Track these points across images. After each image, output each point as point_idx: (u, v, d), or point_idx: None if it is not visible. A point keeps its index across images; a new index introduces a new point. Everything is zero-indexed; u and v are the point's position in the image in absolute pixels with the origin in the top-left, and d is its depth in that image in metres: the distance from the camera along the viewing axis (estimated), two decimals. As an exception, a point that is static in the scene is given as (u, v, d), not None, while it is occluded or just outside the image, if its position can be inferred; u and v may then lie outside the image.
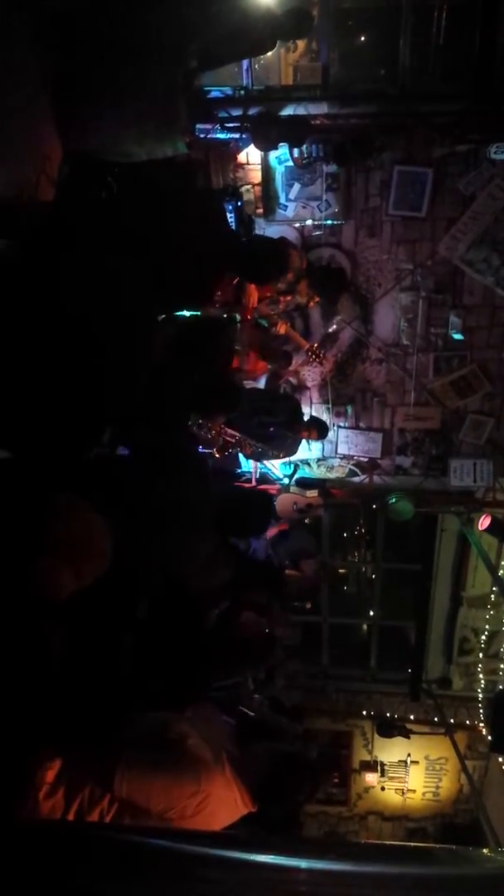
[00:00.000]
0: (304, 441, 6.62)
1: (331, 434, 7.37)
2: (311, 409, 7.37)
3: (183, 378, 2.88)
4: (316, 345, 6.74)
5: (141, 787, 2.12)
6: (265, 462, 7.15)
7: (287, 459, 7.07)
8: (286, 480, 7.45)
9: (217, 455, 5.41)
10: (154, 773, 2.17)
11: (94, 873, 1.12)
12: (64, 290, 1.93)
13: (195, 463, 2.75)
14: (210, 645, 2.01)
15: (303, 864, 1.23)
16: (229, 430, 5.27)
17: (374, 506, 7.72)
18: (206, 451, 5.29)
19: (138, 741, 2.19)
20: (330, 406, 7.31)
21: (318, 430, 6.47)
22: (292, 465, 7.48)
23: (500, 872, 1.25)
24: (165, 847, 1.29)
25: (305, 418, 6.53)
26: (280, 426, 6.03)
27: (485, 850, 3.58)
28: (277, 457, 6.49)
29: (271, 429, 5.98)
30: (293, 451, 6.56)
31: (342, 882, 1.18)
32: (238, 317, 5.45)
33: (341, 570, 10.19)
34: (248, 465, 7.13)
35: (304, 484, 7.52)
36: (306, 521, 7.78)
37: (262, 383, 6.77)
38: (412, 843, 7.49)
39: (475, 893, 1.15)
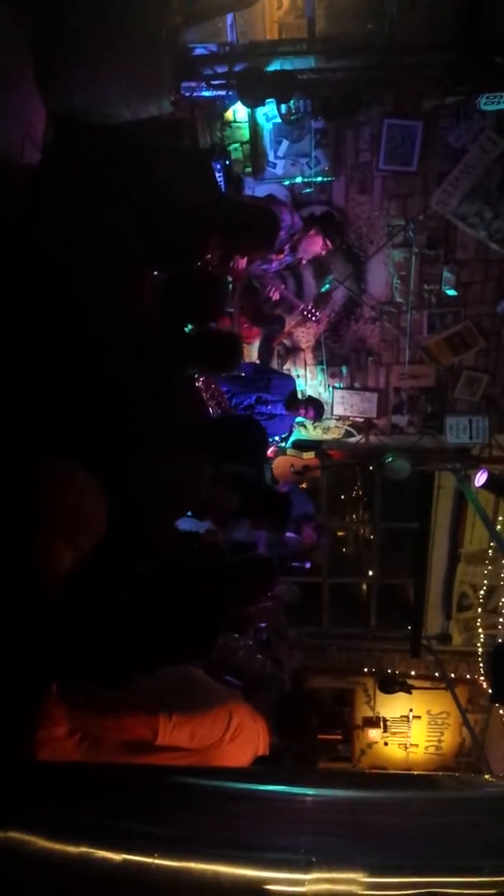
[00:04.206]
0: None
1: (326, 395, 7.37)
2: (306, 370, 7.35)
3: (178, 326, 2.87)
4: (311, 305, 6.70)
5: (182, 729, 2.21)
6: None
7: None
8: (283, 443, 7.46)
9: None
10: (192, 713, 2.25)
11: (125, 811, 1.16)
12: (43, 245, 1.90)
13: (186, 388, 2.76)
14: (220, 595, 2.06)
15: (310, 792, 1.27)
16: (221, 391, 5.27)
17: (370, 466, 7.74)
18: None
19: (165, 688, 2.26)
20: (325, 367, 7.30)
21: (315, 409, 6.50)
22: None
23: (501, 794, 1.28)
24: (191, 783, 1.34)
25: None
26: (276, 405, 6.09)
27: (486, 776, 3.69)
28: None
29: (268, 406, 6.02)
30: (285, 429, 6.58)
31: (350, 808, 1.22)
32: (230, 279, 5.40)
33: (340, 532, 10.26)
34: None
35: (301, 446, 7.53)
36: (303, 484, 7.81)
37: (255, 348, 6.75)
38: (416, 772, 7.64)
39: (478, 815, 1.18)
